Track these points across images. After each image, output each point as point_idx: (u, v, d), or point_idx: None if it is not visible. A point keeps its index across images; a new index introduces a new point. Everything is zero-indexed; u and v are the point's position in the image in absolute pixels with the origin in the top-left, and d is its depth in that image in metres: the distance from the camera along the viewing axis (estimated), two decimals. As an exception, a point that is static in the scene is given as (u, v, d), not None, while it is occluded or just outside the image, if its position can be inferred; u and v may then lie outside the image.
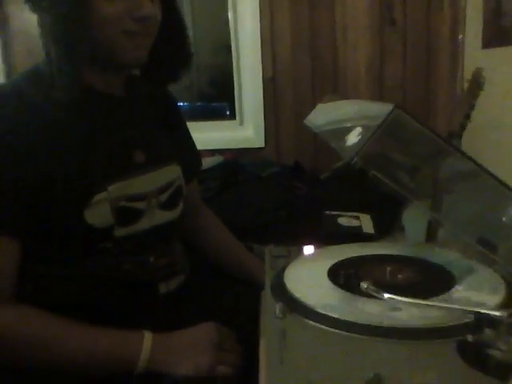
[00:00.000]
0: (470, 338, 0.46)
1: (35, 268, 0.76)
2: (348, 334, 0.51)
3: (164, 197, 0.86)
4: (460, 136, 1.11)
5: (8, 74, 1.96)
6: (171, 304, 0.85)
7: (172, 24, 0.81)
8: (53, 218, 0.74)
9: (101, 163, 0.77)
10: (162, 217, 0.85)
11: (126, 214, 0.79)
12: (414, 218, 1.23)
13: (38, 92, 0.75)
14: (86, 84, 0.79)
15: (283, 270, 0.66)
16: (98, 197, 0.75)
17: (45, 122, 0.74)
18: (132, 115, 0.86)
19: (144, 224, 0.82)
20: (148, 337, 0.73)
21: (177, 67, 0.88)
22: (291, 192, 1.67)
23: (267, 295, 0.62)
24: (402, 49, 2.03)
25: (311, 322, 0.53)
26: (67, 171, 0.74)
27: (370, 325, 0.51)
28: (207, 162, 1.83)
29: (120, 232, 0.79)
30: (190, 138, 1.05)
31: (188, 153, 1.01)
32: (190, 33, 0.90)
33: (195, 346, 0.73)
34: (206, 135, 2.14)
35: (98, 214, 0.76)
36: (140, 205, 0.81)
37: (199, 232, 1.05)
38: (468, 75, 1.13)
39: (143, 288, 0.83)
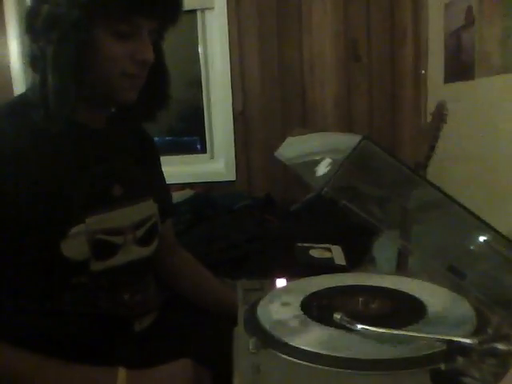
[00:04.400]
0: (443, 366, 0.46)
1: (8, 302, 0.74)
2: (322, 367, 0.50)
3: (140, 232, 0.85)
4: (426, 167, 1.14)
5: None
6: (145, 341, 0.83)
7: (155, 66, 0.82)
8: (28, 249, 0.73)
9: (80, 195, 0.76)
10: (137, 252, 0.84)
11: (102, 248, 0.78)
12: (384, 249, 1.24)
13: (16, 122, 0.75)
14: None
15: (256, 304, 0.65)
16: (75, 229, 0.74)
17: (21, 152, 0.73)
18: (112, 149, 0.87)
19: (120, 259, 0.81)
20: (122, 373, 0.71)
21: (154, 108, 0.90)
22: (263, 225, 1.67)
23: (240, 330, 0.61)
24: (367, 84, 2.09)
25: (285, 357, 0.53)
26: (45, 202, 0.73)
27: (344, 357, 0.50)
28: (177, 196, 1.82)
29: (96, 266, 0.78)
30: (163, 177, 1.05)
31: (162, 191, 1.01)
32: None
33: (171, 383, 0.72)
34: (177, 169, 2.14)
35: (75, 246, 0.75)
36: (117, 239, 0.80)
37: (175, 271, 1.04)
38: (431, 108, 1.17)
39: (118, 325, 0.82)
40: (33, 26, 0.74)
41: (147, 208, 0.88)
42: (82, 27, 0.71)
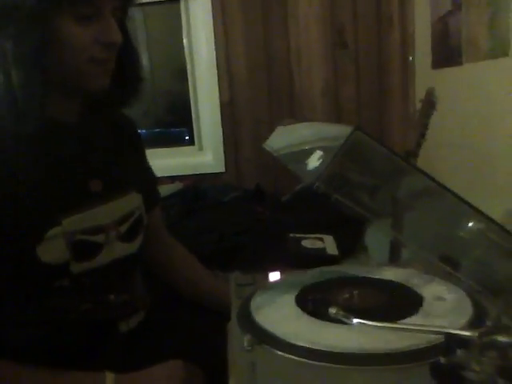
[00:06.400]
0: (442, 360, 0.45)
1: None
2: (319, 363, 0.49)
3: (124, 228, 0.81)
4: (416, 155, 1.13)
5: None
6: (133, 342, 0.81)
7: (123, 47, 0.77)
8: (2, 256, 0.69)
9: (53, 196, 0.73)
10: (122, 249, 0.81)
11: (83, 249, 0.75)
12: (377, 238, 1.24)
13: None
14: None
15: (249, 299, 0.64)
16: (51, 232, 0.71)
17: None
18: (87, 142, 0.82)
19: (103, 258, 0.78)
20: (110, 377, 0.69)
21: (127, 93, 0.85)
22: (253, 216, 1.66)
23: (234, 327, 0.60)
24: (355, 71, 2.08)
25: (281, 353, 0.52)
26: (17, 206, 0.69)
27: (340, 352, 0.50)
28: (167, 189, 1.80)
29: (77, 268, 0.74)
30: (149, 165, 1.02)
31: (148, 180, 0.98)
32: (146, 59, 0.88)
33: None
34: (165, 162, 2.12)
35: (52, 250, 0.71)
36: (98, 238, 0.77)
37: (164, 261, 1.02)
38: (420, 95, 1.16)
39: (103, 328, 0.79)
40: None
41: (130, 201, 0.84)
42: (40, 15, 0.66)
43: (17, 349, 0.70)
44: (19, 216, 0.69)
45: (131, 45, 0.83)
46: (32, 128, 0.70)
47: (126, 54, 0.80)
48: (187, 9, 2.15)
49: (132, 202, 0.85)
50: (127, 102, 0.86)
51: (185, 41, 2.17)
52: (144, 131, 2.31)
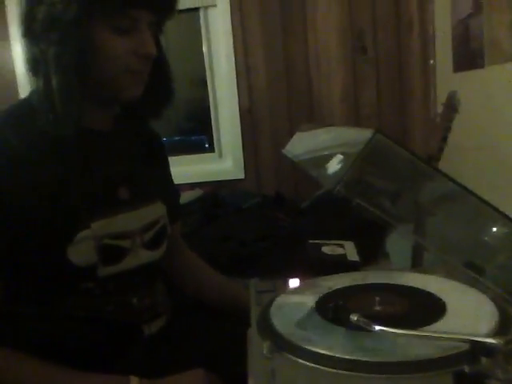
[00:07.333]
0: (466, 368, 0.44)
1: (15, 309, 0.74)
2: (338, 371, 0.48)
3: (148, 236, 0.84)
4: (438, 159, 1.12)
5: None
6: (155, 346, 0.82)
7: (156, 60, 0.81)
8: (34, 255, 0.72)
9: (84, 200, 0.75)
10: (146, 256, 0.83)
11: (109, 253, 0.77)
12: (399, 244, 1.22)
13: (20, 128, 0.75)
14: None
15: (269, 305, 0.64)
16: (81, 234, 0.73)
17: (25, 158, 0.73)
18: (117, 151, 0.85)
19: (128, 263, 0.80)
20: (134, 382, 0.70)
21: (159, 105, 0.89)
22: (273, 223, 1.65)
23: (254, 334, 0.59)
24: (374, 76, 2.06)
25: (301, 361, 0.51)
26: (50, 208, 0.72)
27: (360, 360, 0.49)
28: (187, 196, 1.81)
29: (103, 272, 0.77)
30: (172, 179, 1.04)
31: (171, 193, 1.00)
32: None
33: None
34: (186, 169, 2.13)
35: (82, 251, 0.74)
36: (124, 243, 0.79)
37: (180, 271, 1.03)
38: (441, 99, 1.15)
39: (127, 330, 0.81)
40: (31, 28, 0.73)
41: (155, 210, 0.87)
42: (82, 25, 0.70)
43: (42, 346, 0.72)
44: (51, 216, 0.72)
45: (164, 58, 0.86)
46: (68, 132, 0.73)
47: (159, 67, 0.84)
48: (206, 17, 2.17)
49: (156, 211, 0.87)
50: (159, 113, 0.90)
51: (204, 49, 2.19)
52: (165, 139, 2.33)
